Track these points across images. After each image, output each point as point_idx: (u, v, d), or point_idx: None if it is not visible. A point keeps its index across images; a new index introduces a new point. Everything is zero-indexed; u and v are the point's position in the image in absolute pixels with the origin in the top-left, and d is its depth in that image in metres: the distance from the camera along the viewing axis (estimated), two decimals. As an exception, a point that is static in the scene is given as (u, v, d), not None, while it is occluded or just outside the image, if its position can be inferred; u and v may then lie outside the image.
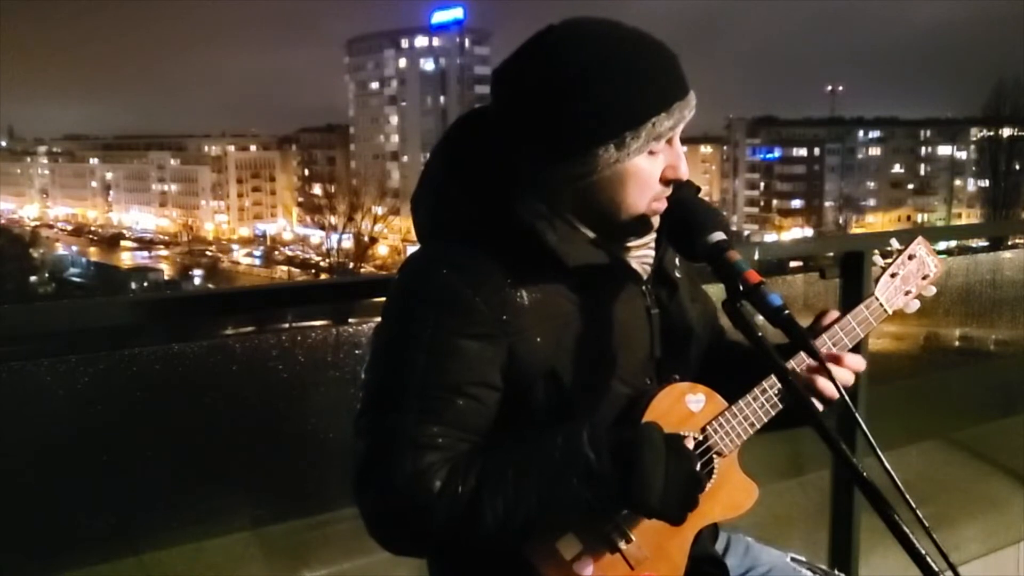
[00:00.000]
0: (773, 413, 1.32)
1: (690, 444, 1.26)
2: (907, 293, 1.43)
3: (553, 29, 1.25)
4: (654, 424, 1.23)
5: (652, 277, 1.37)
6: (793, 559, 1.55)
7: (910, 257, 1.43)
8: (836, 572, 1.57)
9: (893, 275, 1.42)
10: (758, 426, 1.32)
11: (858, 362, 1.36)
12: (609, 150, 1.21)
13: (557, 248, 1.24)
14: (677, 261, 1.42)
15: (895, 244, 1.44)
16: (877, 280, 1.42)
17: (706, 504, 1.28)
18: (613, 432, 1.22)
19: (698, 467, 1.25)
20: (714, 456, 1.31)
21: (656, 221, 1.31)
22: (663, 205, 1.29)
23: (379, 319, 1.31)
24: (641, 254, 1.35)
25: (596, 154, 1.21)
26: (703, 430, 1.31)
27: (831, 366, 1.26)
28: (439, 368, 1.21)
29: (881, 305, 1.41)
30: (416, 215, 1.37)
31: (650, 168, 1.25)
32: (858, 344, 1.41)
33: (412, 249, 1.36)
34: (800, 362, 1.33)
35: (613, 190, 1.25)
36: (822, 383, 1.32)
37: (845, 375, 1.34)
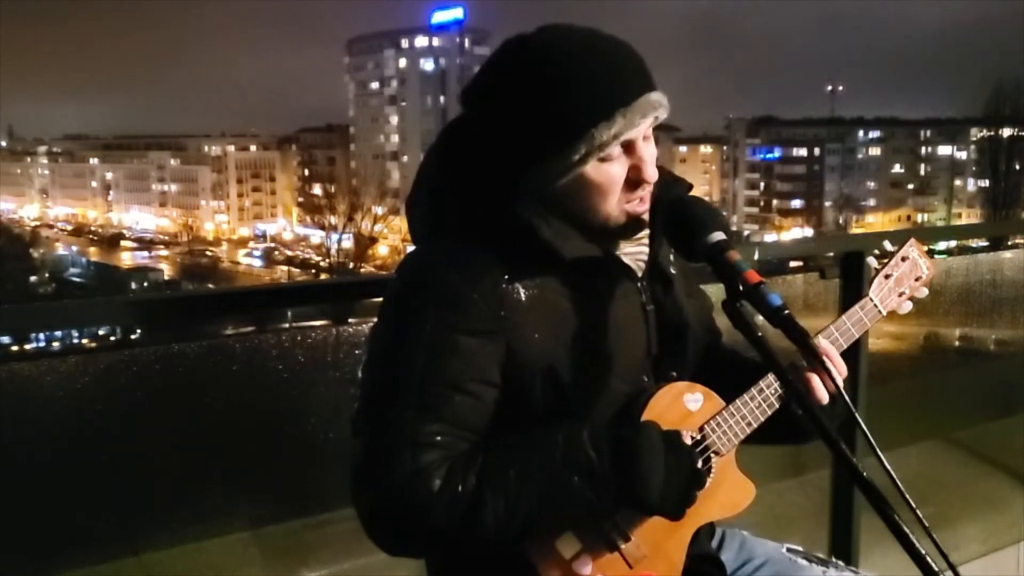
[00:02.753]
0: (770, 412, 1.33)
1: (688, 441, 1.27)
2: (901, 294, 1.44)
3: (508, 48, 1.27)
4: (653, 422, 1.24)
5: (647, 273, 1.37)
6: (789, 549, 1.55)
7: (903, 259, 1.45)
8: (833, 559, 1.56)
9: (887, 276, 1.44)
10: (755, 425, 1.33)
11: (842, 368, 1.36)
12: (553, 163, 1.23)
13: (553, 242, 1.25)
14: (672, 257, 1.42)
15: (888, 246, 1.45)
16: (871, 281, 1.44)
17: (704, 503, 1.29)
18: (613, 430, 1.23)
19: (698, 464, 1.26)
20: (712, 455, 1.31)
21: (646, 218, 1.31)
22: (642, 207, 1.30)
23: (376, 318, 1.31)
24: (635, 250, 1.35)
25: (548, 165, 1.23)
26: (701, 429, 1.31)
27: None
28: (438, 365, 1.21)
29: (876, 306, 1.42)
30: (412, 216, 1.37)
31: (606, 176, 1.25)
32: (856, 343, 1.42)
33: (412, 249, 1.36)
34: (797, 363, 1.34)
35: (577, 196, 1.26)
36: (815, 383, 1.32)
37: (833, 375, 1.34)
